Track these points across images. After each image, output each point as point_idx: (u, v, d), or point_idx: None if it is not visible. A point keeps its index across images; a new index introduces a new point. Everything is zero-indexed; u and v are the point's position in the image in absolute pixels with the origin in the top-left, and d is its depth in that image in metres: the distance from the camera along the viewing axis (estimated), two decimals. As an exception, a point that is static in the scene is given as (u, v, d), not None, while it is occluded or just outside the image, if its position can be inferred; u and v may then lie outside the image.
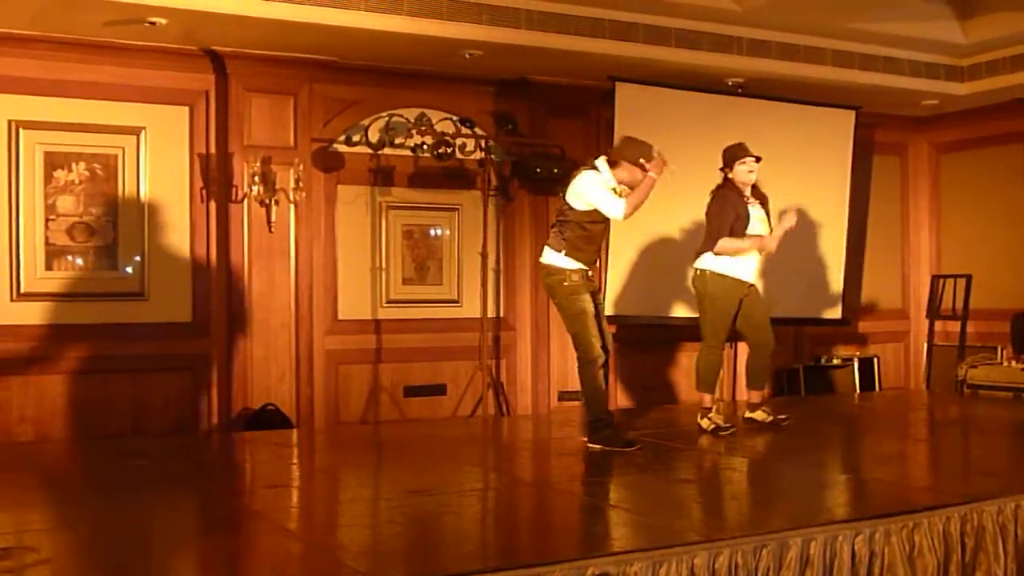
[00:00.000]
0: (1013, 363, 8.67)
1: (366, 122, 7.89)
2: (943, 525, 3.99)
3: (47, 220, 7.02)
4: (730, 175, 6.18)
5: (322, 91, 7.68)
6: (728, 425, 6.15)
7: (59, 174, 7.06)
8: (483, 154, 7.99)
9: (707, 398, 6.27)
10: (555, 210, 6.05)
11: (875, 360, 9.74)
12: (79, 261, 7.13)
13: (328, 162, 7.80)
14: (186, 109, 7.38)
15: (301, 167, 7.35)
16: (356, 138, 7.86)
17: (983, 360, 8.93)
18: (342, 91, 7.78)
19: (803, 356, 9.57)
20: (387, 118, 7.92)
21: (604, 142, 7.99)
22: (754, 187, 6.23)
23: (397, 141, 7.93)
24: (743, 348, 7.33)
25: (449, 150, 7.89)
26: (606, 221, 5.69)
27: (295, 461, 5.93)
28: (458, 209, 8.27)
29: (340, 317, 7.87)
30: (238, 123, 7.37)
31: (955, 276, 9.67)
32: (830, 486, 5.02)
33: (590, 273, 5.75)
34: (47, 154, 7.03)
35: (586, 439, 5.70)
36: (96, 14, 6.46)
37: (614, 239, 8.08)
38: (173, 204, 7.35)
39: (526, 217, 8.37)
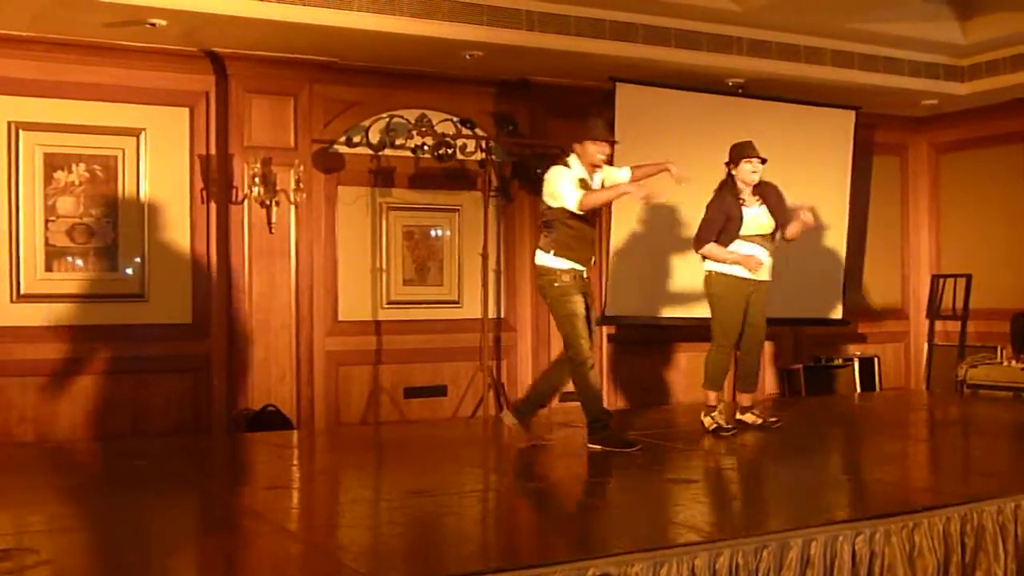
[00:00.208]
0: (1013, 363, 8.67)
1: (367, 123, 7.89)
2: (943, 525, 4.00)
3: (47, 221, 7.02)
4: (734, 172, 6.20)
5: (322, 92, 7.68)
6: (730, 426, 6.17)
7: (59, 175, 7.06)
8: (484, 155, 7.99)
9: (712, 396, 6.27)
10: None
11: (875, 360, 9.74)
12: (79, 262, 7.13)
13: (328, 163, 7.80)
14: (186, 110, 7.38)
15: (301, 168, 7.35)
16: (357, 139, 7.86)
17: (983, 360, 8.93)
18: (342, 92, 7.78)
19: (803, 356, 9.58)
20: (388, 119, 7.92)
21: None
22: (757, 185, 6.23)
23: (398, 142, 7.93)
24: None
25: (450, 151, 7.90)
26: (592, 217, 5.69)
27: (295, 462, 5.94)
28: (458, 210, 8.27)
29: (340, 318, 7.87)
30: (238, 124, 7.37)
31: (955, 276, 9.67)
32: (830, 486, 5.02)
33: (585, 273, 5.71)
34: (47, 155, 7.03)
35: (587, 440, 5.69)
36: (96, 15, 6.45)
37: (614, 239, 8.10)
38: (173, 205, 7.35)
39: (526, 218, 8.36)
